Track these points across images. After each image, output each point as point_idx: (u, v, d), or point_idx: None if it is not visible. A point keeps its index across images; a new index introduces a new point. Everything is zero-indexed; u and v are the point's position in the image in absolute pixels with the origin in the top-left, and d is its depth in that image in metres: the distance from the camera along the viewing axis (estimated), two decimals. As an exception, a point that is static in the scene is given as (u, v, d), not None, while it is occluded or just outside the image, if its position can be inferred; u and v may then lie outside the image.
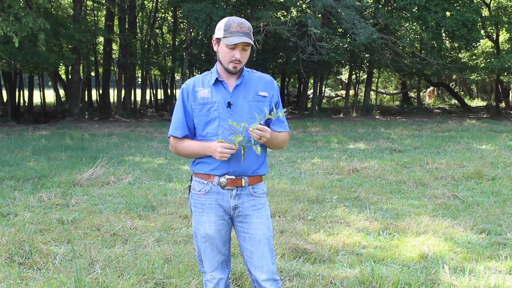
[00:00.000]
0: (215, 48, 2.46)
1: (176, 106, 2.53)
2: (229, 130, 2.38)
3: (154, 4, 25.25)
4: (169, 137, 2.54)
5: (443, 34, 21.35)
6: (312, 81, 26.52)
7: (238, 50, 2.36)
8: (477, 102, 34.00)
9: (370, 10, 20.68)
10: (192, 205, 2.56)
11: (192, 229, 4.65)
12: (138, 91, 27.13)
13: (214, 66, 2.51)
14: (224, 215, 2.49)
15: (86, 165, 7.80)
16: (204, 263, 2.57)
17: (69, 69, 21.61)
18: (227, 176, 2.43)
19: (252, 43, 2.39)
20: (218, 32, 2.40)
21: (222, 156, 2.33)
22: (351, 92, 28.99)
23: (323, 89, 29.28)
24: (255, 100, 2.45)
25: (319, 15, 19.30)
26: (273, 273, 2.48)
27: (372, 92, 27.90)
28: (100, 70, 25.37)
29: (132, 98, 24.83)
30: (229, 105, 2.42)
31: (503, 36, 24.15)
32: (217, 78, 2.45)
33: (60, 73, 25.05)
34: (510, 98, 29.08)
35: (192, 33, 22.63)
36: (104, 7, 22.44)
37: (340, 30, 21.46)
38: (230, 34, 2.33)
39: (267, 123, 2.47)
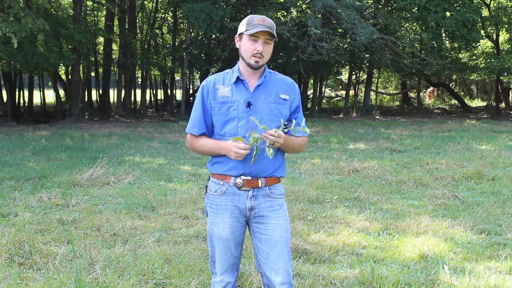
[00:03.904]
0: (237, 45, 2.45)
1: (195, 103, 2.50)
2: (247, 128, 2.35)
3: (154, 4, 25.25)
4: (187, 133, 2.53)
5: (443, 34, 21.35)
6: (312, 81, 26.53)
7: (260, 42, 2.35)
8: (477, 102, 34.01)
9: (370, 10, 20.69)
10: (208, 205, 2.52)
11: (192, 230, 4.67)
12: (138, 91, 27.12)
13: (236, 64, 2.49)
14: (240, 217, 2.45)
15: (86, 165, 7.80)
16: (216, 265, 2.53)
17: (69, 69, 21.61)
18: (243, 177, 2.40)
19: (275, 36, 2.37)
20: (241, 27, 2.40)
21: (237, 156, 2.30)
22: (351, 92, 29.00)
23: (323, 89, 29.28)
24: (275, 102, 2.42)
25: (319, 15, 19.31)
26: (289, 276, 2.42)
27: (372, 92, 27.90)
28: (100, 70, 25.37)
29: (132, 98, 24.81)
30: (248, 105, 2.39)
31: (503, 36, 24.17)
32: (238, 77, 2.42)
33: (60, 73, 25.04)
34: (510, 98, 29.09)
35: (192, 33, 22.64)
36: (104, 7, 22.45)
37: (340, 30, 21.47)
38: (253, 27, 2.33)
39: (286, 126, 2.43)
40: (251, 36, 2.34)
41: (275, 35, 2.38)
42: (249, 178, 2.40)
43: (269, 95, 2.43)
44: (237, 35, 2.45)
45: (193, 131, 2.48)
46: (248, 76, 2.44)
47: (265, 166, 2.41)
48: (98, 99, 26.16)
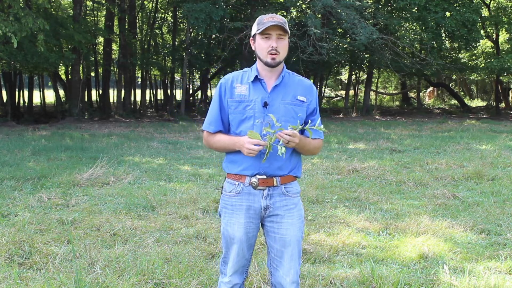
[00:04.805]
0: (253, 48, 2.45)
1: (212, 101, 2.50)
2: (265, 125, 2.34)
3: (154, 4, 25.25)
4: (202, 130, 2.53)
5: (443, 34, 21.35)
6: (312, 81, 26.55)
7: (273, 39, 2.35)
8: (477, 102, 34.02)
9: (370, 10, 20.69)
10: (222, 206, 2.52)
11: (192, 230, 4.67)
12: (138, 91, 27.13)
13: (254, 63, 2.49)
14: (254, 217, 2.45)
15: (86, 165, 7.80)
16: (228, 265, 2.52)
17: (69, 69, 21.61)
18: (258, 176, 2.39)
19: (288, 31, 2.36)
20: (253, 29, 2.42)
21: (250, 152, 2.29)
22: (351, 92, 29.00)
23: (323, 89, 29.29)
24: (292, 103, 2.42)
25: (319, 15, 19.31)
26: (297, 275, 2.47)
27: (372, 92, 27.90)
28: (100, 70, 25.36)
29: (132, 98, 24.82)
30: (265, 105, 2.38)
31: (503, 36, 24.17)
32: (256, 76, 2.42)
33: (60, 73, 25.04)
34: (510, 98, 29.09)
35: (192, 33, 22.64)
36: (104, 7, 22.45)
37: (340, 30, 21.47)
38: (263, 25, 2.34)
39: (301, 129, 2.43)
40: (263, 34, 2.35)
41: (288, 30, 2.37)
42: (264, 177, 2.40)
43: (287, 96, 2.42)
44: (251, 38, 2.47)
45: (209, 128, 2.48)
46: (266, 76, 2.43)
47: (280, 166, 2.41)
48: (98, 99, 26.15)
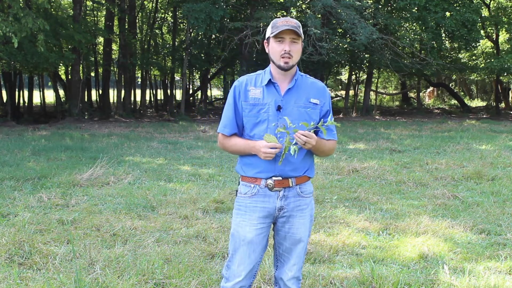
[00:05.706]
0: (267, 50, 2.47)
1: (227, 103, 2.51)
2: (277, 129, 2.36)
3: (154, 4, 25.25)
4: (218, 133, 2.54)
5: (443, 34, 21.36)
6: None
7: (286, 43, 2.36)
8: (477, 103, 34.01)
9: (370, 10, 20.69)
10: (236, 208, 2.52)
11: (192, 230, 4.67)
12: (138, 92, 27.13)
13: (268, 66, 2.51)
14: (267, 218, 2.46)
15: (86, 165, 7.79)
16: (237, 268, 2.48)
17: (69, 69, 21.60)
18: (274, 178, 2.41)
19: (301, 35, 2.37)
20: (267, 32, 2.44)
21: (267, 156, 2.32)
22: (351, 92, 28.99)
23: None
24: (305, 106, 2.43)
25: (319, 15, 19.30)
26: (300, 272, 2.54)
27: (372, 93, 27.89)
28: (100, 70, 25.36)
29: (132, 98, 24.81)
30: (279, 108, 2.40)
31: (503, 36, 24.17)
32: (270, 80, 2.44)
33: (60, 73, 25.04)
34: (510, 98, 29.09)
35: (192, 33, 22.64)
36: (104, 7, 22.44)
37: (340, 30, 21.47)
38: (277, 28, 2.36)
39: (315, 130, 2.44)
40: (277, 37, 2.37)
41: (301, 34, 2.38)
42: (280, 178, 2.42)
43: (300, 99, 2.44)
44: (265, 41, 2.49)
45: (224, 131, 2.49)
46: (279, 79, 2.45)
47: (295, 168, 2.43)
48: (98, 99, 26.15)
